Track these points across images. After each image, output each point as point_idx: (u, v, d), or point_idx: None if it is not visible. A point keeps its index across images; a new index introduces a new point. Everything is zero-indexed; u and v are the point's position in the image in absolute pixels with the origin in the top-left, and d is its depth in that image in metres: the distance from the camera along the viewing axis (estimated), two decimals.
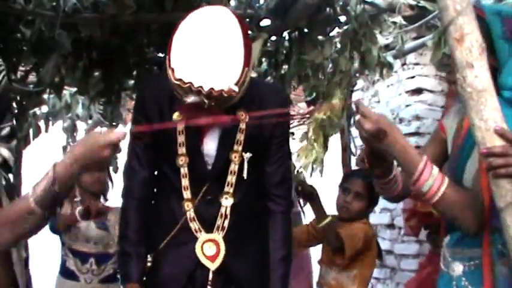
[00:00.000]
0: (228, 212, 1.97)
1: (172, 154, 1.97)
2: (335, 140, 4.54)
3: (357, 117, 1.64)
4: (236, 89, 1.76)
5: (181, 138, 1.95)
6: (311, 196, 2.82)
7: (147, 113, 1.98)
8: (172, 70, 1.75)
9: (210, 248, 1.95)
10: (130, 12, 2.65)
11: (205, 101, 1.72)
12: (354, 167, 4.57)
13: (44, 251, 3.44)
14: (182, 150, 1.96)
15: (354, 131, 4.51)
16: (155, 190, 2.08)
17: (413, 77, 4.67)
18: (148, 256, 2.00)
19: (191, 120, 1.80)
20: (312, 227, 3.07)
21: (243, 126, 1.96)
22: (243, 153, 1.96)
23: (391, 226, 4.95)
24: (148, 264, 1.99)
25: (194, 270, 1.97)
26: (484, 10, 1.69)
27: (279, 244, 2.03)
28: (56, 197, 1.56)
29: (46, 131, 4.60)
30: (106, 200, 3.28)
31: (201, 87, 1.71)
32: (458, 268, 1.72)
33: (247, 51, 1.79)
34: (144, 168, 2.02)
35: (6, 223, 1.60)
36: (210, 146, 1.97)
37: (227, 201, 1.97)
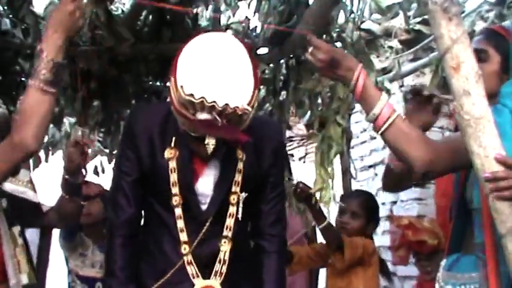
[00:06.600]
0: (226, 257, 1.86)
1: (164, 193, 1.85)
2: (336, 165, 4.53)
3: (310, 49, 1.67)
4: (249, 109, 1.64)
5: (173, 177, 1.83)
6: (308, 198, 2.77)
7: (137, 147, 1.86)
8: (181, 87, 1.61)
9: None
10: (128, 44, 2.66)
11: (218, 118, 1.59)
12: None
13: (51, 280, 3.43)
14: (175, 190, 1.84)
15: (353, 154, 4.51)
16: (145, 228, 1.96)
17: None
18: None
19: (210, 131, 1.64)
20: (312, 249, 3.07)
21: (240, 166, 1.86)
22: (239, 194, 1.87)
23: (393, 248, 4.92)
24: None
25: None
26: (510, 32, 1.75)
27: (273, 286, 1.93)
28: (56, 65, 1.71)
29: (46, 160, 4.59)
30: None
31: (214, 102, 1.57)
32: None
33: (255, 72, 1.68)
34: (131, 206, 1.89)
35: (26, 119, 1.68)
36: (205, 185, 1.86)
37: (226, 246, 1.86)
